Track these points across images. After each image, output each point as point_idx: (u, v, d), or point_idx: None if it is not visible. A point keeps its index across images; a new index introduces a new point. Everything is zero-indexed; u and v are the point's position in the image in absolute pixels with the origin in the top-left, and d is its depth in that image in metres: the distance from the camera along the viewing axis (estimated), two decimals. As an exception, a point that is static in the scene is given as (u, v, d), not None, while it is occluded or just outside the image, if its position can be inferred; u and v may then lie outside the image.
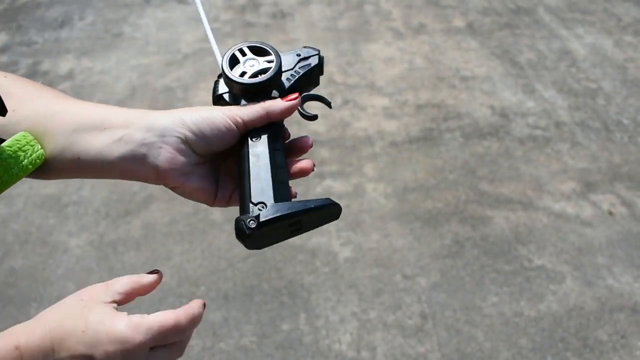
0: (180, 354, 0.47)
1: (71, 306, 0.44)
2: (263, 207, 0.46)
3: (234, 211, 0.51)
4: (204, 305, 0.49)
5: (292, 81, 0.54)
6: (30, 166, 0.46)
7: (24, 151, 0.46)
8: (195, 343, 1.65)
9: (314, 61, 0.55)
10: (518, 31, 3.32)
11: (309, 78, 0.55)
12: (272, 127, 0.51)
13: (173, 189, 0.51)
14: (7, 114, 0.45)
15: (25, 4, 3.96)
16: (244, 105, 0.52)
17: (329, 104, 0.55)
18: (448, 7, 3.64)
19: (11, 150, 0.45)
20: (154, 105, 2.76)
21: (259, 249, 0.47)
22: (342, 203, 2.09)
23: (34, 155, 0.46)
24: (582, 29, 3.31)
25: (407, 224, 2.02)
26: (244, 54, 0.54)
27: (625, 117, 2.56)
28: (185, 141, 0.49)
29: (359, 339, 1.64)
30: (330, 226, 1.99)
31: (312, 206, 0.47)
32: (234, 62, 0.53)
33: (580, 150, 2.36)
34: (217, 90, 0.53)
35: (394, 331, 1.66)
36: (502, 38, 3.26)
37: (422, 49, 3.16)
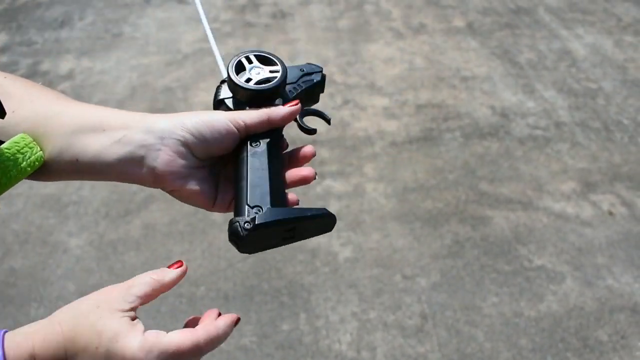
0: None
1: (86, 315, 0.42)
2: (259, 211, 0.46)
3: (234, 212, 0.50)
4: (235, 322, 0.46)
5: (294, 94, 0.54)
6: (29, 168, 0.46)
7: (22, 153, 0.46)
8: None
9: (316, 77, 0.56)
10: (518, 31, 3.32)
11: (310, 93, 0.56)
12: (272, 134, 0.51)
13: (171, 192, 0.50)
14: (7, 115, 0.45)
15: (25, 4, 3.96)
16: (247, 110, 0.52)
17: (328, 121, 0.55)
18: (448, 7, 3.64)
19: (10, 153, 0.45)
20: (154, 105, 2.76)
21: (251, 253, 0.47)
22: (342, 203, 2.10)
23: (32, 158, 0.46)
24: (582, 29, 3.31)
25: (407, 224, 2.02)
26: (250, 62, 0.54)
27: (625, 117, 2.56)
28: (184, 144, 0.48)
29: (359, 339, 1.64)
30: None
31: (309, 214, 0.47)
32: (239, 68, 0.53)
33: (580, 150, 2.36)
34: (219, 95, 0.54)
35: (394, 331, 1.66)
36: (502, 38, 3.26)
37: (422, 49, 3.16)
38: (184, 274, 0.47)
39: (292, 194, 0.51)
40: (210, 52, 3.22)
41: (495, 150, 2.37)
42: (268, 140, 0.51)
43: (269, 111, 0.51)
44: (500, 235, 1.96)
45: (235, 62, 0.53)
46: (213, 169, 0.52)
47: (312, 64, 0.57)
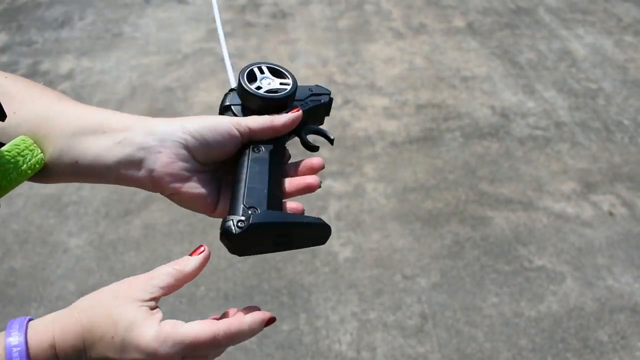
0: (220, 354, 0.46)
1: (105, 305, 0.42)
2: (255, 212, 0.45)
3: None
4: (267, 322, 0.45)
5: (302, 111, 0.54)
6: (29, 171, 0.46)
7: (22, 156, 0.45)
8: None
9: (324, 99, 0.57)
10: (518, 31, 3.32)
11: (316, 113, 0.56)
12: (275, 143, 0.51)
13: (170, 196, 0.50)
14: (8, 117, 0.45)
15: (26, 4, 3.96)
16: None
17: (331, 141, 0.55)
18: (448, 7, 3.64)
19: (10, 155, 0.45)
20: (154, 105, 2.76)
21: (240, 255, 0.46)
22: (342, 203, 2.10)
23: (33, 160, 0.46)
24: (582, 29, 3.31)
25: (407, 224, 2.02)
26: (262, 72, 0.54)
27: (625, 117, 2.56)
28: (185, 146, 0.48)
29: (359, 339, 1.64)
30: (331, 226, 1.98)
31: (304, 221, 0.46)
32: (251, 77, 0.54)
33: (580, 150, 2.36)
34: (226, 102, 0.54)
35: (394, 331, 1.66)
36: (503, 38, 3.26)
37: (423, 49, 3.16)
38: (206, 259, 0.46)
39: (297, 203, 0.50)
40: (210, 52, 3.22)
41: (496, 150, 2.37)
42: (270, 148, 0.51)
43: (272, 117, 0.51)
44: (500, 235, 1.96)
45: (247, 70, 0.54)
46: (215, 174, 0.51)
47: (321, 86, 0.58)
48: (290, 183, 0.51)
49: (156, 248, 1.96)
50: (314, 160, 0.52)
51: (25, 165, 0.45)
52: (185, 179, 0.48)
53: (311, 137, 0.55)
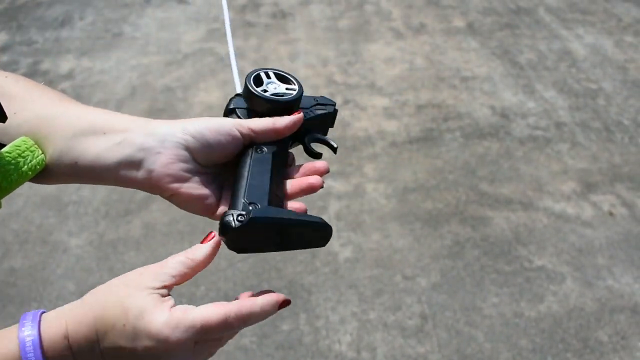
0: (222, 345, 0.45)
1: (116, 294, 0.42)
2: (255, 207, 0.45)
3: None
4: (281, 304, 0.44)
5: (306, 118, 0.55)
6: (30, 172, 0.46)
7: (23, 157, 0.45)
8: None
9: (329, 109, 0.57)
10: (518, 31, 3.32)
11: (320, 122, 0.57)
12: (278, 145, 0.51)
13: (170, 198, 0.49)
14: (9, 117, 0.45)
15: (26, 4, 3.96)
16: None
17: (334, 149, 0.55)
18: (448, 7, 3.64)
19: (10, 157, 0.45)
20: (154, 105, 2.76)
21: (239, 251, 0.45)
22: (342, 203, 2.10)
23: (34, 162, 0.46)
24: (582, 29, 3.31)
25: (407, 225, 2.02)
26: (268, 77, 0.55)
27: (625, 117, 2.56)
28: (185, 147, 0.48)
29: (359, 340, 1.64)
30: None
31: (306, 219, 0.46)
32: (257, 81, 0.54)
33: (580, 150, 2.36)
34: (231, 105, 0.54)
35: (394, 332, 1.66)
36: (503, 38, 3.26)
37: (423, 49, 3.16)
38: (217, 246, 0.45)
39: (300, 203, 0.50)
40: (211, 52, 3.22)
41: (496, 150, 2.37)
42: (273, 149, 0.51)
43: (274, 119, 0.51)
44: (500, 235, 1.96)
45: (254, 75, 0.54)
46: (217, 176, 0.51)
47: (327, 97, 0.58)
48: (292, 184, 0.51)
49: (156, 248, 1.96)
50: (318, 163, 0.52)
51: (26, 167, 0.45)
52: (185, 180, 0.48)
53: (314, 146, 0.55)
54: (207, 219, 0.51)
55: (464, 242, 1.94)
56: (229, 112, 0.53)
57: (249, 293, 0.45)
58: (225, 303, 0.42)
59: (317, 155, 0.53)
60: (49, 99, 0.50)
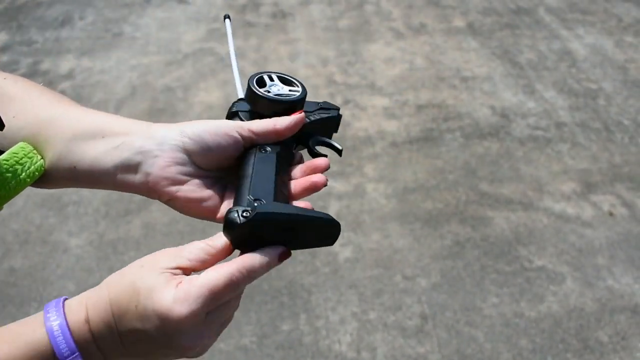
0: (237, 306, 0.44)
1: (130, 275, 0.41)
2: (261, 203, 0.43)
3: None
4: (281, 255, 0.42)
5: (309, 121, 0.54)
6: (29, 179, 0.45)
7: (21, 164, 0.45)
8: (195, 343, 1.64)
9: (333, 113, 0.56)
10: (518, 31, 3.32)
11: (324, 126, 0.56)
12: (282, 145, 0.51)
13: (168, 202, 0.48)
14: (8, 121, 0.45)
15: (26, 4, 3.96)
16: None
17: (339, 152, 0.55)
18: (448, 7, 3.64)
19: (8, 164, 0.44)
20: (154, 105, 2.76)
21: (243, 249, 0.43)
22: (342, 203, 2.10)
23: (32, 168, 0.46)
24: (582, 29, 3.31)
25: (407, 225, 2.02)
26: (271, 79, 0.54)
27: (625, 117, 2.56)
28: (183, 149, 0.47)
29: (359, 340, 1.64)
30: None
31: (313, 215, 0.44)
32: (260, 83, 0.53)
33: (580, 150, 2.36)
34: (233, 108, 0.54)
35: (394, 332, 1.66)
36: (503, 38, 3.25)
37: (423, 49, 3.16)
38: None
39: (305, 202, 0.49)
40: (211, 52, 3.22)
41: (496, 150, 2.37)
42: (277, 149, 0.50)
43: (275, 120, 0.50)
44: (500, 235, 1.96)
45: (257, 77, 0.54)
46: (219, 180, 0.50)
47: (330, 103, 0.58)
48: (295, 184, 0.50)
49: (156, 248, 1.95)
50: (318, 160, 0.51)
51: (24, 174, 0.45)
52: (182, 183, 0.47)
53: (319, 148, 0.54)
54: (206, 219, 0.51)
55: (464, 242, 1.94)
56: (231, 116, 0.53)
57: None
58: (225, 263, 0.41)
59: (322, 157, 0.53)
60: (48, 100, 0.50)
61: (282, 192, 0.47)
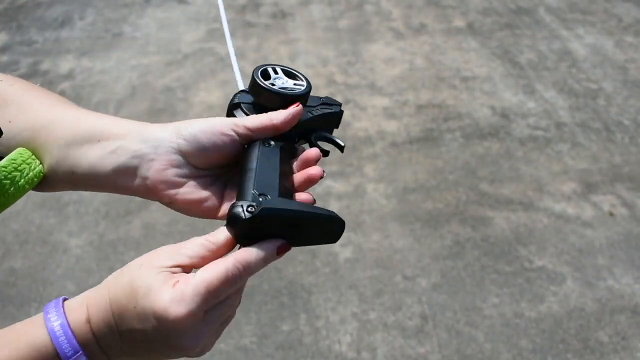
0: (239, 302, 0.43)
1: (129, 275, 0.41)
2: (266, 198, 0.43)
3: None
4: (279, 249, 0.42)
5: (312, 116, 0.53)
6: (27, 186, 0.45)
7: (19, 171, 0.45)
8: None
9: (335, 109, 0.56)
10: (518, 31, 3.32)
11: (326, 121, 0.56)
12: (284, 139, 0.50)
13: (168, 204, 0.48)
14: (5, 126, 0.44)
15: (26, 4, 3.96)
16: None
17: (341, 148, 0.54)
18: (448, 7, 3.64)
19: (6, 171, 0.44)
20: (154, 105, 2.75)
21: (246, 245, 0.42)
22: (342, 203, 2.10)
23: (31, 175, 0.45)
24: (582, 29, 3.31)
25: (407, 225, 2.01)
26: (275, 72, 0.54)
27: (626, 117, 2.56)
28: (178, 151, 0.47)
29: (359, 340, 1.64)
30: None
31: (319, 212, 0.43)
32: (264, 76, 0.53)
33: (580, 150, 2.36)
34: (235, 100, 0.53)
35: (394, 332, 1.66)
36: (503, 38, 3.25)
37: (423, 49, 3.16)
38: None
39: (307, 194, 0.48)
40: (211, 52, 3.22)
41: (496, 150, 2.37)
42: (281, 144, 0.49)
43: (271, 114, 0.49)
44: (500, 236, 1.96)
45: (261, 69, 0.53)
46: (218, 178, 0.50)
47: (333, 98, 0.57)
48: (293, 179, 0.50)
49: (156, 248, 1.95)
50: (310, 152, 0.50)
51: (22, 180, 0.45)
52: (180, 185, 0.47)
53: (321, 144, 0.54)
54: (206, 219, 0.50)
55: (464, 243, 1.93)
56: (233, 107, 0.52)
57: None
58: (221, 259, 0.40)
59: (325, 153, 0.52)
60: (44, 103, 0.49)
61: (286, 187, 0.46)
